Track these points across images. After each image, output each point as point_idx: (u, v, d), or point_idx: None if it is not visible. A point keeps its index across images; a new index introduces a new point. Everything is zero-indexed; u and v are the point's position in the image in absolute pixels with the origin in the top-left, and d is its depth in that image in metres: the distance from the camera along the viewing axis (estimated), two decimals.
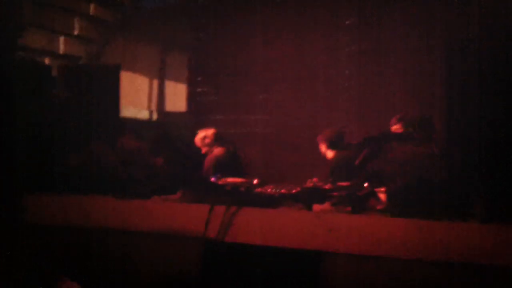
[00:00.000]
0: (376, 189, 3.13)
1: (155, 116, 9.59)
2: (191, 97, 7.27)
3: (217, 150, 4.45)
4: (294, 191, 3.26)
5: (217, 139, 4.57)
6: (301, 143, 6.38)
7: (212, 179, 3.49)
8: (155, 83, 9.96)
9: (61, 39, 6.86)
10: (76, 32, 7.08)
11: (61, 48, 6.82)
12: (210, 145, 4.53)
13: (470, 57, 2.86)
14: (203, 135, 4.61)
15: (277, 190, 3.30)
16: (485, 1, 3.08)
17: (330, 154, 4.32)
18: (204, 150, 4.56)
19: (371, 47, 6.27)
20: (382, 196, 3.07)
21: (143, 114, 9.27)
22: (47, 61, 6.32)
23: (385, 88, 6.17)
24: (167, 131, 7.02)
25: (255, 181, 3.44)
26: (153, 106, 9.85)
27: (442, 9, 5.50)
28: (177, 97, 9.68)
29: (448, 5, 5.46)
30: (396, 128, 4.25)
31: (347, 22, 6.46)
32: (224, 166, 4.20)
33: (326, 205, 3.03)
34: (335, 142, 4.35)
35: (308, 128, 6.53)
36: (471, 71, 2.87)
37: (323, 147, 4.44)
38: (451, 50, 3.05)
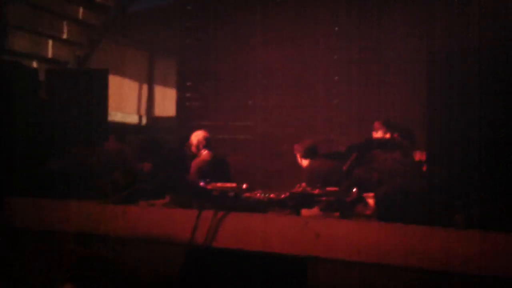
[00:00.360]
0: (365, 195, 3.15)
1: (143, 121, 9.56)
2: (180, 102, 7.26)
3: (205, 154, 4.46)
4: (282, 196, 3.27)
5: (208, 143, 4.59)
6: (287, 149, 6.41)
7: (201, 183, 3.49)
8: (143, 87, 9.93)
9: (48, 42, 6.82)
10: (63, 36, 7.04)
11: (48, 52, 6.77)
12: (200, 148, 4.54)
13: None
14: (194, 137, 4.62)
15: (266, 195, 3.30)
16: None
17: (304, 163, 4.52)
18: (193, 151, 4.58)
19: (360, 54, 6.33)
20: (371, 202, 3.10)
21: (131, 119, 9.23)
22: (33, 64, 6.27)
23: (378, 95, 6.23)
24: (155, 135, 7.01)
25: (244, 186, 3.44)
26: (141, 111, 9.82)
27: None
28: (165, 102, 9.66)
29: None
30: (379, 132, 4.31)
31: (336, 29, 6.51)
32: (210, 170, 4.21)
33: (315, 210, 3.04)
34: (308, 152, 4.56)
35: (295, 135, 6.57)
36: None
37: (298, 157, 4.70)
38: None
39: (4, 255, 3.55)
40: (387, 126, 4.43)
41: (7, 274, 3.54)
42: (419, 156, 3.66)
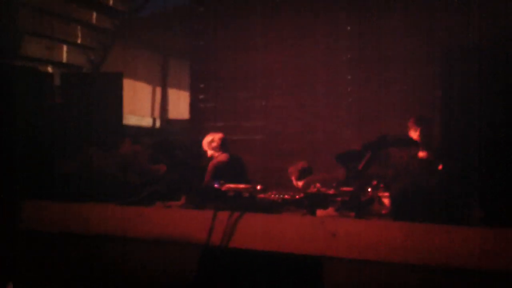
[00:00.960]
0: (380, 194, 3.14)
1: (157, 123, 9.62)
2: (194, 104, 7.29)
3: (221, 156, 4.47)
4: (297, 196, 3.27)
5: (223, 144, 4.60)
6: (300, 149, 6.41)
7: (216, 185, 3.50)
8: (157, 90, 9.99)
9: (62, 47, 6.90)
10: (77, 41, 7.12)
11: (63, 57, 6.85)
12: (216, 150, 4.55)
13: (470, 58, 2.87)
14: (210, 139, 4.64)
15: (280, 196, 3.30)
16: (485, 2, 3.10)
17: (299, 184, 4.58)
18: (209, 154, 4.59)
19: (370, 53, 6.31)
20: (386, 201, 3.08)
21: (145, 121, 9.29)
22: (48, 69, 6.34)
23: (384, 94, 6.20)
24: (169, 137, 7.04)
25: (258, 187, 3.45)
26: (155, 113, 9.88)
27: (442, 10, 5.54)
28: (179, 104, 9.71)
29: (448, 5, 5.52)
30: (413, 130, 4.29)
31: (348, 28, 6.49)
32: (227, 172, 4.22)
33: (330, 210, 3.04)
34: (302, 174, 4.66)
35: (306, 135, 6.57)
36: (471, 72, 2.87)
37: (293, 179, 4.75)
38: (450, 51, 3.05)
39: (18, 257, 3.59)
40: (421, 123, 4.38)
41: (21, 276, 3.58)
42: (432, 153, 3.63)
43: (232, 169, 4.41)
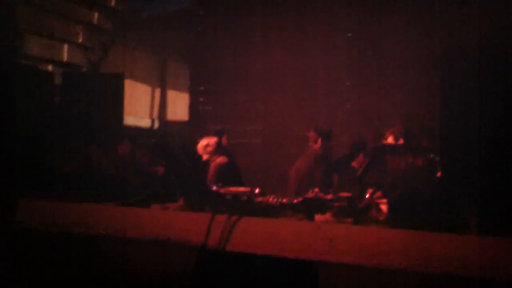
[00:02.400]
0: (378, 200, 3.15)
1: (155, 124, 9.61)
2: (193, 106, 7.30)
3: (220, 159, 4.49)
4: (295, 201, 3.28)
5: (219, 148, 4.61)
6: (299, 153, 6.41)
7: (214, 187, 3.51)
8: (156, 91, 9.98)
9: (63, 46, 6.89)
10: (77, 40, 7.11)
11: (63, 56, 6.84)
12: (212, 153, 4.56)
13: (470, 58, 2.87)
14: (205, 143, 4.64)
15: (279, 200, 3.31)
16: (485, 2, 3.10)
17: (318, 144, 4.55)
18: (205, 157, 4.60)
19: (371, 56, 6.33)
20: (384, 207, 3.10)
21: (143, 122, 9.28)
22: (48, 68, 6.33)
23: (384, 97, 6.22)
24: (167, 139, 7.03)
25: (256, 190, 3.45)
26: (154, 115, 9.87)
27: (442, 10, 5.56)
28: (177, 106, 9.71)
29: (448, 5, 5.55)
30: (389, 140, 4.33)
31: (349, 35, 6.52)
32: (227, 174, 4.23)
33: (328, 216, 3.05)
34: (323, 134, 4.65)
35: (304, 139, 6.58)
36: (470, 72, 2.87)
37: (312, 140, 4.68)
38: (450, 51, 3.06)
39: (16, 256, 3.59)
40: (394, 133, 4.45)
41: (17, 274, 3.57)
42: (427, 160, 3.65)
43: (231, 172, 4.43)
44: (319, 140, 4.53)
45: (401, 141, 4.35)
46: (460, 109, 2.93)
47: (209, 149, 4.58)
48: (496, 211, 2.69)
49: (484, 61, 2.84)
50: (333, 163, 4.56)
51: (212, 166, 4.47)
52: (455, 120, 2.97)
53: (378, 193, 3.18)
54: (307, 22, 6.75)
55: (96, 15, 7.20)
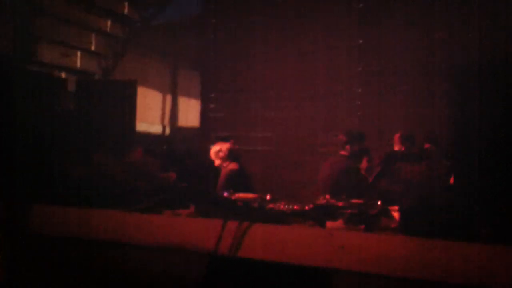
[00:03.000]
0: (390, 208, 3.13)
1: (166, 131, 9.66)
2: (204, 113, 7.34)
3: (232, 165, 4.50)
4: (306, 207, 3.27)
5: (231, 154, 4.62)
6: (309, 160, 6.41)
7: (225, 194, 3.51)
8: (167, 98, 10.05)
9: (76, 54, 6.97)
10: (90, 47, 7.20)
11: (76, 63, 6.92)
12: (224, 159, 4.58)
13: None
14: (218, 149, 4.66)
15: (290, 207, 3.31)
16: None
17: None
18: (217, 163, 4.61)
19: (381, 65, 6.33)
20: (396, 215, 3.08)
21: (154, 128, 9.34)
22: (62, 75, 6.42)
23: (394, 106, 6.22)
24: (179, 146, 7.06)
25: (267, 197, 3.45)
26: (165, 121, 9.93)
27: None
28: (188, 113, 9.76)
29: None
30: (398, 146, 4.30)
31: (360, 41, 6.53)
32: (238, 181, 4.24)
33: (339, 223, 3.04)
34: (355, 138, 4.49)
35: (313, 146, 6.58)
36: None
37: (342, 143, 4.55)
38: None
39: (26, 261, 3.61)
40: (406, 140, 4.42)
41: (27, 279, 3.59)
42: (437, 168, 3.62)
43: (243, 178, 4.43)
44: (348, 146, 4.39)
45: (408, 146, 4.32)
46: (468, 114, 2.90)
47: (221, 154, 4.60)
48: (508, 219, 2.66)
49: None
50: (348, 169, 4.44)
51: (223, 173, 4.48)
52: (465, 126, 2.95)
53: (390, 201, 3.16)
54: (319, 33, 6.78)
55: (109, 22, 7.29)
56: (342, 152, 4.42)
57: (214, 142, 5.15)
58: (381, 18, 6.42)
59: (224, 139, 5.08)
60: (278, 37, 6.99)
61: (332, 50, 6.72)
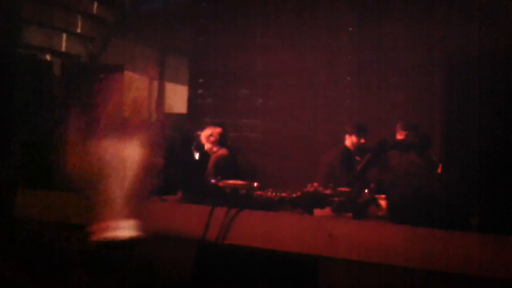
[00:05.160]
0: (377, 196, 3.14)
1: (153, 117, 9.57)
2: (192, 99, 7.28)
3: (222, 151, 4.48)
4: (294, 195, 3.27)
5: (222, 139, 4.60)
6: (296, 148, 6.40)
7: (213, 180, 3.49)
8: (154, 84, 9.94)
9: (62, 36, 6.85)
10: (76, 30, 7.08)
11: (62, 46, 6.80)
12: (214, 144, 4.55)
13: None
14: (209, 133, 4.63)
15: (278, 194, 3.30)
16: (485, 3, 3.08)
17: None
18: (207, 147, 4.58)
19: (371, 54, 6.32)
20: (383, 203, 3.09)
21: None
22: (48, 58, 6.30)
23: (384, 96, 6.21)
24: (166, 132, 7.00)
25: (255, 184, 3.44)
26: (152, 107, 9.83)
27: (443, 10, 5.55)
28: (175, 98, 9.68)
29: (449, 5, 5.54)
30: (400, 134, 4.30)
31: (350, 29, 6.50)
32: (227, 167, 4.22)
33: (327, 210, 3.04)
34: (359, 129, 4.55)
35: (304, 134, 6.57)
36: (472, 79, 2.87)
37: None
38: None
39: (14, 246, 3.57)
40: (408, 128, 4.40)
41: (16, 266, 3.55)
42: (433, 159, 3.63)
43: (233, 164, 4.41)
44: (353, 137, 4.42)
45: (412, 134, 4.30)
46: (461, 109, 2.92)
47: (212, 139, 4.57)
48: (496, 209, 2.68)
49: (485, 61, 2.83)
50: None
51: (213, 158, 4.45)
52: (456, 119, 2.96)
53: (378, 189, 3.17)
54: (308, 19, 6.73)
55: (96, 4, 7.16)
56: (346, 143, 4.47)
57: (203, 127, 5.11)
58: (376, 7, 6.39)
59: (215, 124, 5.05)
60: (269, 24, 6.94)
61: (322, 40, 6.69)
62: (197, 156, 4.70)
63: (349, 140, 4.47)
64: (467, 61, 3.02)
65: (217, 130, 4.65)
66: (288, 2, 6.84)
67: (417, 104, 5.80)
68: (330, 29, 6.63)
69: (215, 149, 4.52)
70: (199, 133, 4.80)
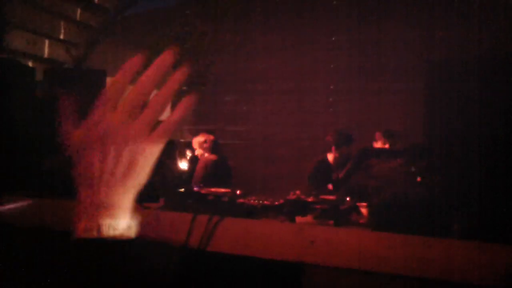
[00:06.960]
0: (358, 204, 3.16)
1: None
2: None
3: (212, 156, 4.52)
4: (277, 203, 3.27)
5: (214, 146, 4.65)
6: (283, 155, 6.42)
7: (195, 188, 3.48)
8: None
9: (45, 41, 6.80)
10: (60, 36, 7.02)
11: (45, 51, 6.75)
12: (206, 150, 4.60)
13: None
14: (203, 139, 4.68)
15: (260, 201, 3.30)
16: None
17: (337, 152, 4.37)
18: (198, 153, 4.62)
19: (359, 61, 6.37)
20: (364, 211, 3.11)
21: None
22: (30, 63, 6.24)
23: (374, 102, 6.26)
24: None
25: (238, 192, 3.44)
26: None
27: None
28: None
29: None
30: (379, 142, 4.32)
31: (333, 39, 6.54)
32: (216, 172, 4.25)
33: (309, 218, 3.04)
34: (343, 139, 4.44)
35: (292, 141, 6.59)
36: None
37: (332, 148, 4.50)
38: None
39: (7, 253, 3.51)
40: (387, 136, 4.45)
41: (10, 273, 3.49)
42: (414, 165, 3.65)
43: (221, 170, 4.45)
44: (333, 148, 4.36)
45: (392, 142, 4.33)
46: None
47: (206, 145, 4.61)
48: (480, 216, 2.70)
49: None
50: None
51: (202, 162, 4.49)
52: (440, 126, 2.97)
53: (360, 197, 3.19)
54: (296, 25, 6.77)
55: (80, 10, 7.12)
56: (327, 153, 4.41)
57: (186, 134, 5.12)
58: (359, 14, 6.45)
59: (208, 131, 5.10)
60: (257, 30, 6.96)
61: (309, 46, 6.73)
62: (181, 163, 4.69)
63: (333, 152, 4.43)
64: (450, 63, 3.04)
65: (211, 137, 4.71)
66: (279, 10, 6.88)
67: (400, 109, 5.86)
68: (315, 35, 6.68)
69: (206, 155, 4.57)
70: (182, 140, 4.81)
